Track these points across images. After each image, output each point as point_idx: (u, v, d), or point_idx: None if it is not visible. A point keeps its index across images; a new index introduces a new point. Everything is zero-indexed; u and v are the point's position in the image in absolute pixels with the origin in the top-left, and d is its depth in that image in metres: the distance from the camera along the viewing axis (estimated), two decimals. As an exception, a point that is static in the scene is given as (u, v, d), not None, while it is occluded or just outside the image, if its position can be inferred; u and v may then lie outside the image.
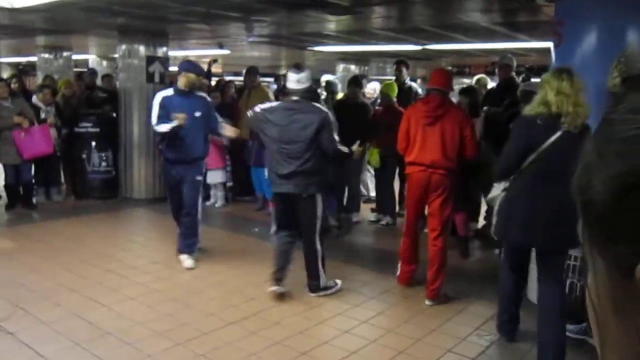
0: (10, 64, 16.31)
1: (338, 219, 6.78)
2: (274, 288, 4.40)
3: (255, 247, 6.00)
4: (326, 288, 4.57)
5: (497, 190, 3.57)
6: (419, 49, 9.49)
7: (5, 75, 10.76)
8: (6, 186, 7.22)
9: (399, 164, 6.75)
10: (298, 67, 4.39)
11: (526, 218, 3.36)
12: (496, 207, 3.55)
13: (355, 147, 5.84)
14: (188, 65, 5.23)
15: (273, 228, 4.52)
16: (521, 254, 3.66)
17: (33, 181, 7.45)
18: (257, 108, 4.45)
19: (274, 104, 4.50)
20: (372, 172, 7.53)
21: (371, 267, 5.41)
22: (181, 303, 4.35)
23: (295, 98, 4.27)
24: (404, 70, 7.34)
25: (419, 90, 7.73)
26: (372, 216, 7.26)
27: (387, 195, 6.98)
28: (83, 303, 4.28)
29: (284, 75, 8.78)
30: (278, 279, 4.43)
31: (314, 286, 4.53)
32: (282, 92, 8.35)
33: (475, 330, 4.03)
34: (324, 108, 4.47)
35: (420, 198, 4.60)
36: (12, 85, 7.55)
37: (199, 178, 5.26)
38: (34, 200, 7.43)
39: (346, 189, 7.27)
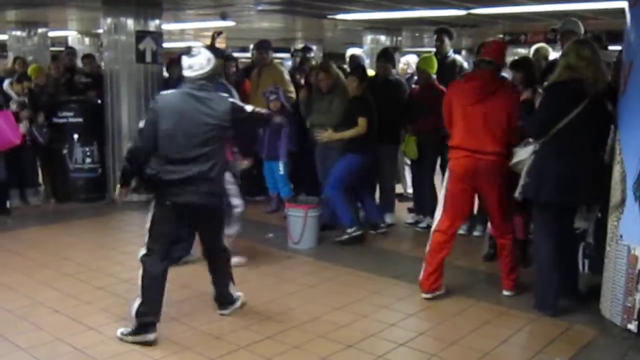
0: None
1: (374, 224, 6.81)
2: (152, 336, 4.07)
3: (269, 257, 6.04)
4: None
5: (525, 153, 4.52)
6: (462, 14, 9.42)
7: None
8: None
9: (440, 154, 6.75)
10: (189, 51, 4.21)
11: (559, 179, 4.29)
12: (525, 169, 4.48)
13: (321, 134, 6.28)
14: None
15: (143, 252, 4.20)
16: (553, 213, 4.50)
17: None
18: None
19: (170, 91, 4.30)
20: (409, 163, 7.51)
21: (409, 279, 5.32)
22: (183, 324, 4.38)
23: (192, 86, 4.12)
24: (447, 40, 7.30)
25: (465, 64, 7.68)
26: (409, 217, 7.22)
27: (427, 192, 6.94)
28: (68, 325, 4.33)
29: (302, 50, 8.86)
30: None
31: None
32: (298, 69, 8.43)
33: (538, 354, 3.98)
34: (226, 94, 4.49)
35: (465, 188, 4.82)
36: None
37: None
38: (8, 204, 7.54)
39: (377, 185, 7.28)
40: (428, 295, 4.88)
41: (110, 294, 4.95)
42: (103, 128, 8.27)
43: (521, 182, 4.51)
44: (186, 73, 4.15)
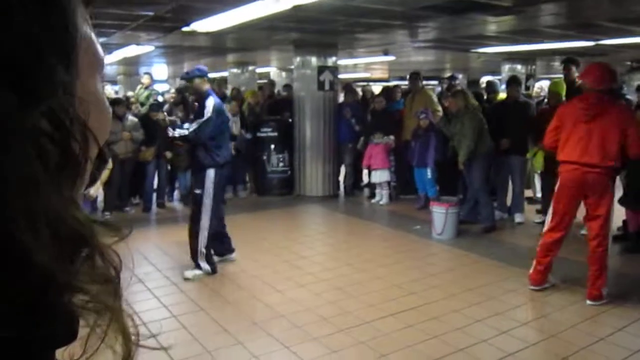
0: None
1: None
2: None
3: (416, 244, 5.97)
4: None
5: None
6: (591, 45, 8.68)
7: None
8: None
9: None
10: None
11: None
12: None
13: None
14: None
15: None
16: None
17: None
18: None
19: None
20: (538, 172, 6.99)
21: (534, 269, 5.05)
22: (345, 293, 4.48)
23: None
24: (574, 69, 6.78)
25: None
26: (537, 218, 6.74)
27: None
28: (262, 288, 4.58)
29: (449, 78, 8.67)
30: None
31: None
32: (444, 94, 8.27)
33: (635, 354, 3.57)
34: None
35: (574, 197, 4.26)
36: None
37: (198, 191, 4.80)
38: (224, 197, 8.05)
39: (510, 188, 6.93)
40: (536, 288, 4.47)
41: (292, 266, 5.16)
42: (292, 140, 8.53)
43: None
44: None
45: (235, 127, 7.92)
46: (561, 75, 7.08)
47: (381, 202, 7.86)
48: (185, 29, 6.69)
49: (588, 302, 4.20)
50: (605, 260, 4.18)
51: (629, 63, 11.62)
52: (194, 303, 4.28)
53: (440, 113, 7.54)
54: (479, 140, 6.21)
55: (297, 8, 5.07)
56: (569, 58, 6.97)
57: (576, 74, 6.82)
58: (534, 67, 10.93)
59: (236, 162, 8.08)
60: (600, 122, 4.10)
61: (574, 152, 4.17)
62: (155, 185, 7.61)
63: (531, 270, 4.53)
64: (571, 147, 4.19)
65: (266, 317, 3.99)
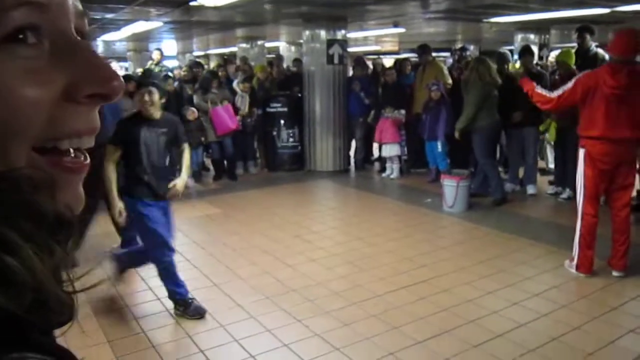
0: (216, 55, 18.02)
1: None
2: None
3: (427, 218, 5.95)
4: None
5: None
6: (607, 12, 8.47)
7: (212, 64, 11.76)
8: (213, 160, 8.05)
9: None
10: None
11: None
12: None
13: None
14: None
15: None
16: None
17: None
18: None
19: None
20: (552, 142, 6.93)
21: (545, 241, 5.03)
22: (356, 267, 4.51)
23: None
24: (588, 37, 6.65)
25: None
26: (550, 189, 6.73)
27: (571, 167, 6.38)
28: (273, 263, 4.61)
29: (460, 50, 8.52)
30: None
31: None
32: (455, 66, 8.14)
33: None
34: None
35: (607, 175, 4.11)
36: (220, 73, 8.31)
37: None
38: (235, 173, 8.06)
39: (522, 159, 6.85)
40: (585, 274, 4.19)
41: (303, 241, 5.19)
42: (302, 115, 8.45)
43: None
44: None
45: (241, 101, 7.89)
46: (575, 44, 6.95)
47: (392, 176, 7.84)
48: (193, 3, 6.63)
49: (615, 273, 4.15)
50: (630, 229, 4.16)
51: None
52: (207, 279, 4.33)
53: (450, 85, 7.46)
54: (480, 112, 6.11)
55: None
56: (584, 26, 6.84)
57: (591, 43, 6.71)
58: (547, 36, 10.70)
59: (246, 138, 8.15)
60: (630, 96, 3.92)
61: (603, 128, 3.97)
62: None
63: (576, 260, 4.21)
64: (599, 123, 3.98)
65: (278, 291, 4.03)
